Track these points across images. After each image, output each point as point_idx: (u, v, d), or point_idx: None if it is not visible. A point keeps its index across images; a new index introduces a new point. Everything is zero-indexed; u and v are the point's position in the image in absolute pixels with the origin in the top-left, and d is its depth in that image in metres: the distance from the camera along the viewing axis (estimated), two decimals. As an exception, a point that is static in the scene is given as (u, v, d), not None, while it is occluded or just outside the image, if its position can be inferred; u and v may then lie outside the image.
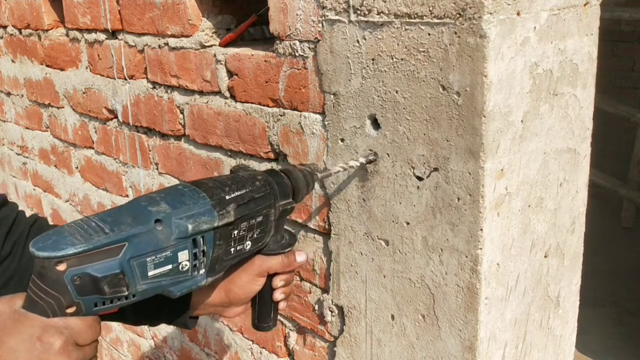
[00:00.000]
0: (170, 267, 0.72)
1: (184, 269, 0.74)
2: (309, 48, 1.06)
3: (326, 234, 1.13)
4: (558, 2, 0.88)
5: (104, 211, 0.73)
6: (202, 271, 0.76)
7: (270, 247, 0.87)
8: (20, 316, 0.67)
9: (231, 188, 0.79)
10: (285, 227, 0.90)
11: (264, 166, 1.23)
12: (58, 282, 0.66)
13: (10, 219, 0.97)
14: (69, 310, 0.68)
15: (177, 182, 1.52)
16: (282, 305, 0.93)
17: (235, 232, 0.79)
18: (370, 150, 0.99)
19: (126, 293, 0.70)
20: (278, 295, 0.91)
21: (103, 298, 0.69)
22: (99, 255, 0.67)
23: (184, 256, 0.73)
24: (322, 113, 1.07)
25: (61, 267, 0.66)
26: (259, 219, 0.82)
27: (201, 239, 0.74)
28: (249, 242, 0.82)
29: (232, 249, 0.79)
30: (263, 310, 0.92)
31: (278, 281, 0.90)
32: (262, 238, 0.84)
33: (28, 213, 1.03)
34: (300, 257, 0.91)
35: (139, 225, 0.70)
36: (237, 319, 1.45)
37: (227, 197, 0.77)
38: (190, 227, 0.72)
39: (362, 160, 0.99)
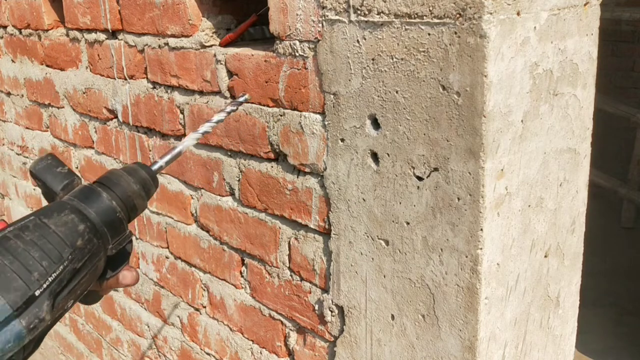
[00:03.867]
0: None
1: None
2: (309, 48, 1.06)
3: (326, 234, 1.13)
4: (558, 2, 0.88)
5: None
6: None
7: None
8: None
9: (40, 271, 0.56)
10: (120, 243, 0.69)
11: (264, 166, 1.23)
12: None
13: None
14: None
15: (177, 182, 1.52)
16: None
17: (54, 315, 0.60)
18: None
19: None
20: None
21: None
22: None
23: None
24: (322, 113, 1.07)
25: None
26: (85, 278, 0.62)
27: None
28: (71, 301, 0.62)
29: (50, 323, 0.60)
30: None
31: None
32: (87, 288, 0.65)
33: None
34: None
35: None
36: (237, 319, 1.45)
37: (38, 293, 0.55)
38: None
39: (221, 116, 0.87)
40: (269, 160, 1.22)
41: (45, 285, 0.56)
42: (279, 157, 1.21)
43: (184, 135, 1.44)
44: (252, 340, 1.42)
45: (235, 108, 0.95)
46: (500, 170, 0.87)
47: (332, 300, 1.15)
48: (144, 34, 1.47)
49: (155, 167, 0.71)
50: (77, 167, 2.02)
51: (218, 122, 0.88)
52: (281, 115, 1.16)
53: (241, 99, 1.06)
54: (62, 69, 1.90)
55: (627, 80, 4.44)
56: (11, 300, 0.53)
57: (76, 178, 0.67)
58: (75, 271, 0.59)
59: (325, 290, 1.17)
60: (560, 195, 1.00)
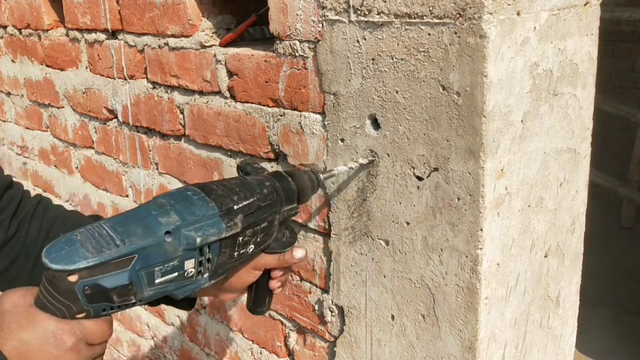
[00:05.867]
0: (176, 274, 0.75)
1: (189, 275, 0.76)
2: (309, 48, 1.06)
3: (326, 234, 1.13)
4: (558, 2, 0.88)
5: (114, 216, 0.75)
6: (205, 275, 0.78)
7: (271, 246, 0.88)
8: (34, 312, 0.70)
9: (239, 196, 0.79)
10: (287, 225, 0.91)
11: (264, 166, 1.23)
12: (69, 291, 0.68)
13: (16, 201, 0.98)
14: (79, 316, 0.70)
15: (177, 182, 1.52)
16: (277, 291, 0.95)
17: (240, 238, 0.80)
18: (370, 150, 1.00)
19: (134, 300, 0.73)
20: (274, 284, 0.93)
21: (112, 305, 0.71)
22: (109, 267, 0.69)
23: (190, 264, 0.75)
24: (322, 113, 1.07)
25: (73, 278, 0.68)
26: (264, 224, 0.83)
27: (207, 248, 0.76)
28: (252, 246, 0.83)
29: (236, 254, 0.81)
30: (259, 296, 0.94)
31: (275, 273, 0.92)
32: (265, 241, 0.85)
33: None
34: (297, 254, 0.91)
35: (149, 238, 0.71)
36: (237, 319, 1.45)
37: (235, 207, 0.78)
38: (198, 240, 0.74)
39: (363, 161, 0.99)
40: (269, 160, 1.22)
41: (241, 205, 0.79)
42: (279, 157, 1.21)
43: (184, 135, 1.45)
44: (252, 340, 1.42)
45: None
46: (500, 170, 0.87)
47: (332, 301, 1.15)
48: (144, 34, 1.47)
49: (322, 176, 0.95)
50: (77, 167, 2.02)
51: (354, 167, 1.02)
52: (281, 115, 1.16)
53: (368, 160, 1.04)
54: (62, 69, 1.90)
55: (627, 80, 4.44)
56: (218, 206, 0.76)
57: (266, 170, 0.92)
58: (259, 207, 0.81)
59: (325, 290, 1.17)
60: (560, 195, 1.00)
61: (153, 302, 0.81)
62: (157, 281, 0.73)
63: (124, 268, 0.70)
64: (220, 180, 0.83)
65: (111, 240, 0.70)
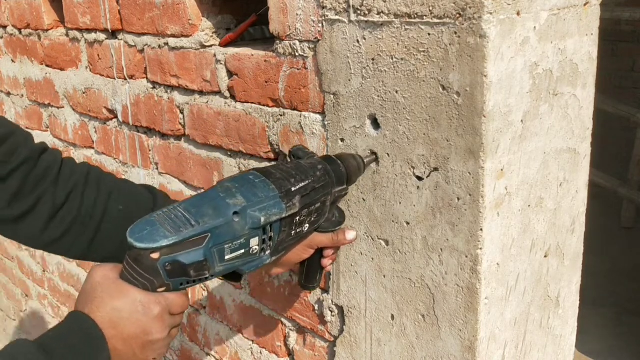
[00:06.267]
0: (243, 251, 0.82)
1: (254, 252, 0.84)
2: (309, 48, 1.06)
3: (326, 234, 1.13)
4: (558, 2, 0.88)
5: (185, 200, 0.83)
6: (268, 252, 0.86)
7: (322, 225, 0.97)
8: (122, 284, 0.78)
9: (296, 179, 0.87)
10: (337, 206, 1.00)
11: (265, 166, 1.23)
12: (152, 267, 0.77)
13: (55, 167, 0.99)
14: (160, 290, 0.78)
15: (177, 182, 1.52)
16: (328, 269, 1.05)
17: (297, 218, 0.88)
18: (370, 150, 1.00)
19: (207, 275, 0.81)
20: (326, 262, 1.02)
21: (188, 279, 0.79)
22: (186, 245, 0.77)
23: (254, 242, 0.83)
24: (322, 113, 1.07)
25: (155, 255, 0.76)
26: (318, 205, 0.91)
27: (270, 228, 0.84)
28: (307, 225, 0.91)
29: (293, 232, 0.89)
30: (310, 273, 1.03)
31: (327, 251, 1.02)
32: (318, 220, 0.94)
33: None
34: (349, 236, 1.01)
35: (220, 218, 0.79)
36: (237, 319, 1.45)
37: (293, 189, 0.86)
38: (262, 219, 0.82)
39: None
40: (269, 160, 1.22)
41: (298, 187, 0.86)
42: (279, 157, 1.21)
43: (184, 135, 1.45)
44: (252, 340, 1.42)
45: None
46: (500, 170, 0.87)
47: (332, 300, 1.15)
48: (144, 34, 1.47)
49: (366, 160, 0.99)
50: (77, 167, 2.02)
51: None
52: (281, 115, 1.16)
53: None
54: (62, 69, 1.90)
55: (627, 80, 4.44)
56: (278, 188, 0.85)
57: (316, 154, 0.99)
58: (313, 189, 0.89)
59: (325, 290, 1.17)
60: (560, 195, 1.00)
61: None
62: (226, 257, 0.81)
63: (199, 246, 0.78)
64: (276, 165, 0.91)
65: (186, 221, 0.78)
